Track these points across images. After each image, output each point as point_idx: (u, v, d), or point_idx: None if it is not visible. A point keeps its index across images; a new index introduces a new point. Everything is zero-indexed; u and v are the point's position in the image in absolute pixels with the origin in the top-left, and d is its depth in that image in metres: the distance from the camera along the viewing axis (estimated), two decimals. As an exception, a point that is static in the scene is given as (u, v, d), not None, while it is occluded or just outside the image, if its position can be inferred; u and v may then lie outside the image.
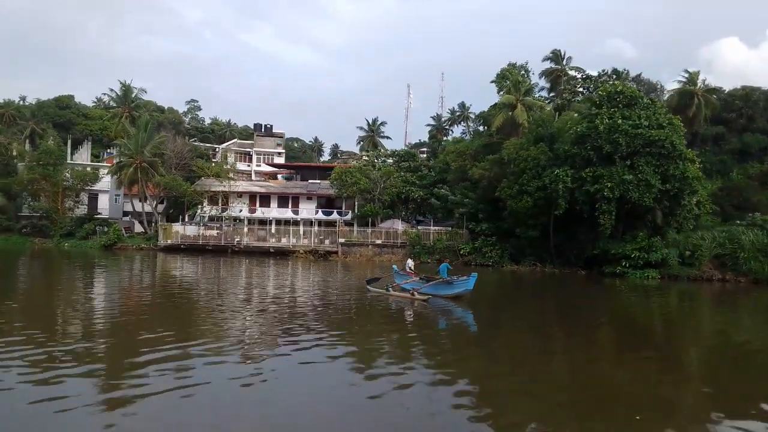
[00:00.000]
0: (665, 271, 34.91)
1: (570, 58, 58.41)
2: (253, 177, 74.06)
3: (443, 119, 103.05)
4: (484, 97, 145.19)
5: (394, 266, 25.03)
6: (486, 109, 54.43)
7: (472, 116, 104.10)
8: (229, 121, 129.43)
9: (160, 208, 58.01)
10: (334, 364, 11.84)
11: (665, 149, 33.86)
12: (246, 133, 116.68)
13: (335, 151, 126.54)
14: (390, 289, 21.55)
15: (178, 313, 18.15)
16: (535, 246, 40.54)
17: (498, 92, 61.54)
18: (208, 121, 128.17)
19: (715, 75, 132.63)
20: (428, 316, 18.80)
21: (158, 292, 24.07)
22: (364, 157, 66.86)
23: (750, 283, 33.51)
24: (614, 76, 53.07)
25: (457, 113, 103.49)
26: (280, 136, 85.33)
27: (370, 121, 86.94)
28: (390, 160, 59.36)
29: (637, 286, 31.40)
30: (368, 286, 22.62)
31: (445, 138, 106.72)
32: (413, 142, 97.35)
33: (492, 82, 51.13)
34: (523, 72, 58.76)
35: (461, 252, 42.74)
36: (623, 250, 35.19)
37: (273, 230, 52.72)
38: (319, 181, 59.14)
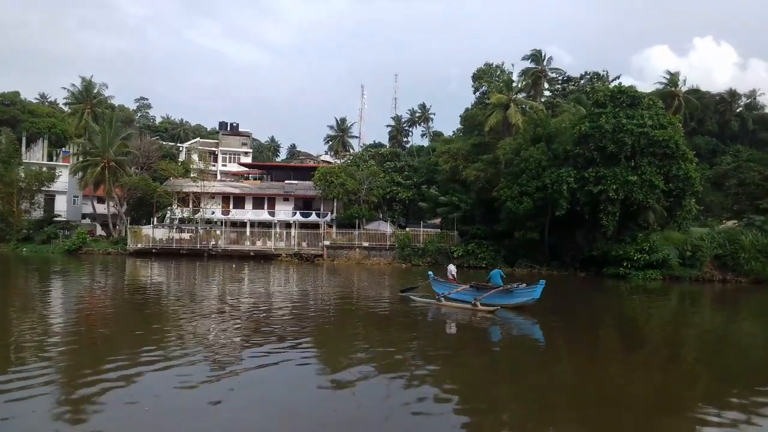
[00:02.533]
0: (666, 272, 34.80)
1: (551, 58, 58.30)
2: (219, 177, 70.82)
3: (403, 120, 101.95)
4: (435, 99, 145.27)
5: (430, 273, 22.98)
6: (459, 110, 53.77)
7: (433, 117, 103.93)
8: (182, 120, 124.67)
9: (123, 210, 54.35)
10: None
11: (669, 149, 33.83)
12: (200, 133, 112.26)
13: (292, 151, 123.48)
14: (442, 299, 19.67)
15: (164, 324, 16.13)
16: (529, 248, 39.91)
17: (474, 93, 61.25)
18: (159, 120, 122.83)
19: (647, 81, 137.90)
20: (481, 326, 17.34)
21: (140, 302, 21.38)
22: (337, 160, 64.98)
23: (751, 284, 33.76)
24: (595, 79, 53.30)
25: (417, 114, 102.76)
26: (247, 135, 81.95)
27: (339, 121, 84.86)
28: (369, 159, 57.63)
29: (641, 288, 30.88)
30: (410, 296, 20.74)
31: (405, 139, 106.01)
32: (368, 143, 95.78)
33: (481, 80, 50.28)
34: (499, 72, 58.60)
35: (454, 254, 41.63)
36: (624, 251, 34.86)
37: (248, 233, 50.23)
38: (296, 182, 56.66)
